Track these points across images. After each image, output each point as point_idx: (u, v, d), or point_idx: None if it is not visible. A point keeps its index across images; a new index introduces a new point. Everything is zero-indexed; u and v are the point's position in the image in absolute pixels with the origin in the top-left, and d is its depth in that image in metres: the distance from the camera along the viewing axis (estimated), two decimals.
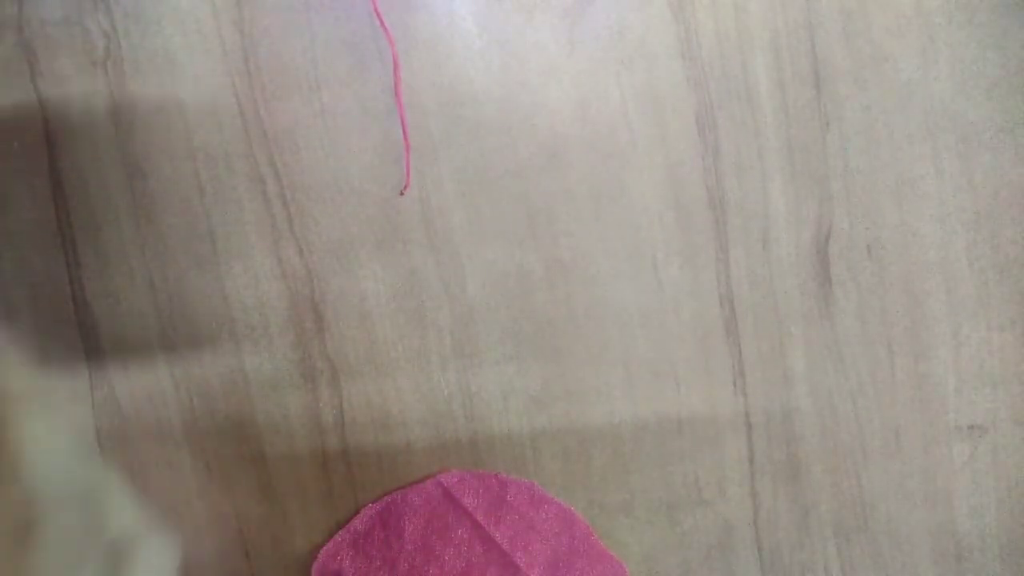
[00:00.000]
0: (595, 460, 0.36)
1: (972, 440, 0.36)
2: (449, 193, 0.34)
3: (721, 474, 0.36)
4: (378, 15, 0.30)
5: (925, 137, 0.35)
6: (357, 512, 0.35)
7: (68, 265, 0.32)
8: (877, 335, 0.36)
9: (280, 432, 0.34)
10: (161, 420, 0.33)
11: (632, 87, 0.34)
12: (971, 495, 0.37)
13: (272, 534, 0.35)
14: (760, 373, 0.36)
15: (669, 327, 0.35)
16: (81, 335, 0.33)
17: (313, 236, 0.33)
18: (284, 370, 0.34)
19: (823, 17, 0.34)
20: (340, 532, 0.35)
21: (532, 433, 0.35)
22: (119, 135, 0.32)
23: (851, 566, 0.37)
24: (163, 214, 0.33)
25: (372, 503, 0.35)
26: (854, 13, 0.34)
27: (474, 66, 0.33)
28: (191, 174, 0.33)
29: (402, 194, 0.33)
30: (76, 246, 0.33)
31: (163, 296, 0.33)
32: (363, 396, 0.34)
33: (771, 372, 0.36)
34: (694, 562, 0.37)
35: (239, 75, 0.32)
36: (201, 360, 0.33)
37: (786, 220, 0.35)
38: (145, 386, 0.33)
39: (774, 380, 0.36)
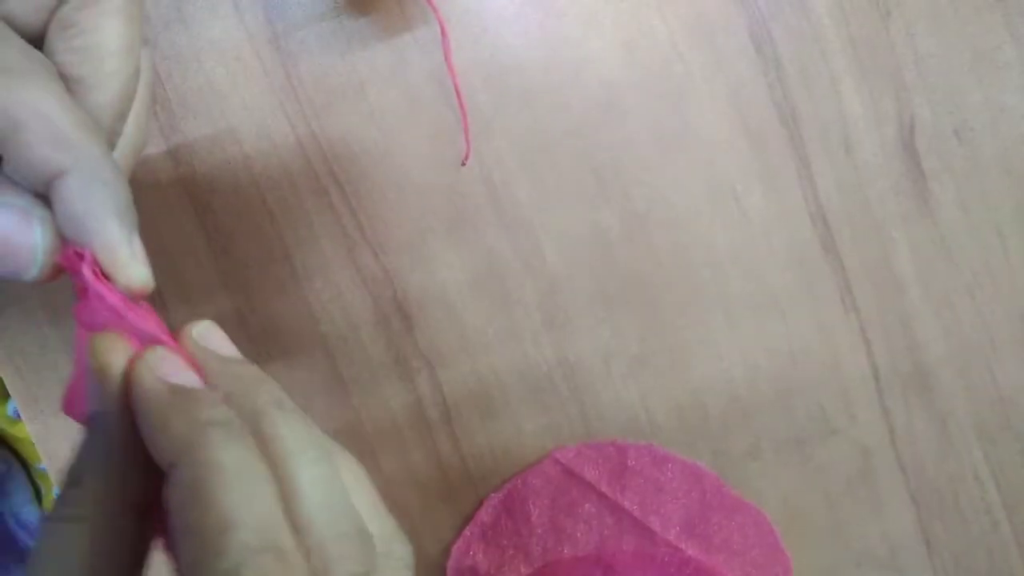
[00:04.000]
0: (711, 409, 0.34)
1: None
2: (510, 166, 0.33)
3: (847, 399, 0.34)
4: None
5: (994, 4, 0.33)
6: (480, 504, 0.35)
7: (155, 310, 0.33)
8: (983, 221, 0.34)
9: (391, 437, 0.34)
10: None
11: (677, 17, 0.32)
12: None
13: None
14: (869, 285, 0.34)
15: (762, 258, 0.34)
16: None
17: (384, 237, 0.33)
18: (382, 374, 0.34)
19: None
20: (467, 527, 0.34)
21: (640, 393, 0.34)
22: (181, 176, 0.33)
23: (1000, 468, 0.35)
24: (238, 245, 0.33)
25: (493, 492, 0.34)
26: None
27: (512, 32, 0.32)
28: (257, 201, 0.33)
29: (463, 164, 0.32)
30: (162, 292, 0.33)
31: (254, 325, 0.33)
32: (463, 386, 0.34)
33: (880, 282, 0.34)
34: (836, 494, 0.35)
35: (284, 93, 0.32)
36: (299, 379, 0.34)
37: (865, 121, 0.33)
38: None
39: (884, 289, 0.34)
